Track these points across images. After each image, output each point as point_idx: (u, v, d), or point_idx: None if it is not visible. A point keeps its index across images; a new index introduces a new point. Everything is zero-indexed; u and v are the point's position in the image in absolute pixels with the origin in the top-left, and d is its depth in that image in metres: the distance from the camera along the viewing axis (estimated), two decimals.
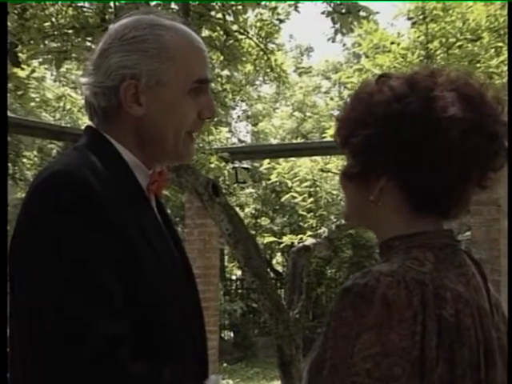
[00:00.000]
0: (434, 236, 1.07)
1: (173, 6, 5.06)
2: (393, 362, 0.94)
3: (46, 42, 5.09)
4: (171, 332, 1.14)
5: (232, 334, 12.82)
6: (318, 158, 8.32)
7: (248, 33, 6.02)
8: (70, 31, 4.90)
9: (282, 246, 8.10)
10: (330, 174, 8.73)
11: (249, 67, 6.79)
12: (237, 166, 7.83)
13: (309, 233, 5.76)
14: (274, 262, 15.40)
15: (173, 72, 1.20)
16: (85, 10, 5.09)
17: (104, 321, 1.03)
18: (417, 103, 1.05)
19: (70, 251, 1.05)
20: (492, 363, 1.04)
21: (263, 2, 5.84)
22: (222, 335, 11.82)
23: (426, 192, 1.06)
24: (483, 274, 1.12)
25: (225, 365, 10.63)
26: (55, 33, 4.98)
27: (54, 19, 5.03)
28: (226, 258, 14.74)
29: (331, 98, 18.06)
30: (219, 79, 6.54)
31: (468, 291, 1.04)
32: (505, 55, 7.35)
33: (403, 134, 1.04)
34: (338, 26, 4.84)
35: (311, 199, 8.14)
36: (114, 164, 1.18)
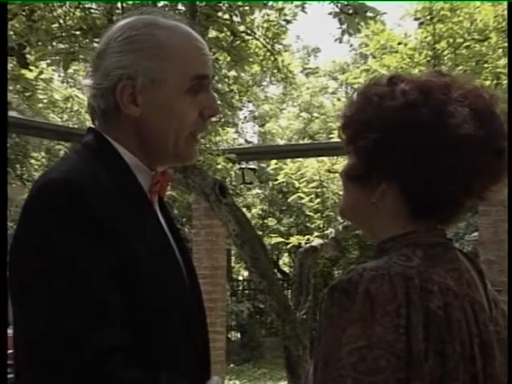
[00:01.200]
0: (424, 234, 1.08)
1: (179, 6, 5.07)
2: (378, 354, 0.95)
3: (54, 43, 5.12)
4: (171, 336, 1.13)
5: (239, 335, 12.83)
6: (324, 158, 8.30)
7: (255, 33, 6.03)
8: (78, 32, 4.92)
9: (288, 246, 8.09)
10: (337, 174, 8.71)
11: (256, 68, 6.80)
12: (244, 166, 7.84)
13: (316, 233, 5.76)
14: (280, 262, 15.40)
15: (168, 71, 1.19)
16: (92, 11, 5.11)
17: (98, 332, 1.02)
18: (429, 116, 1.05)
19: (64, 261, 1.04)
20: (490, 356, 1.04)
21: (270, 3, 5.84)
22: (229, 336, 11.82)
23: (427, 201, 1.07)
24: (479, 271, 1.13)
25: (232, 365, 10.64)
26: (63, 34, 5.00)
27: (61, 21, 5.05)
28: (233, 258, 14.75)
29: (338, 99, 18.03)
30: (226, 80, 6.55)
31: (459, 285, 1.05)
32: None
33: (412, 143, 1.05)
34: (344, 26, 4.84)
35: (318, 200, 8.13)
36: (114, 167, 1.17)
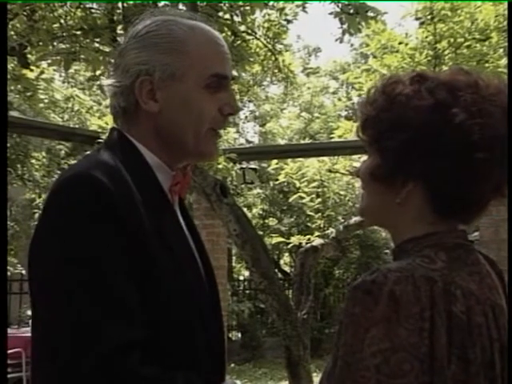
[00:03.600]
0: (446, 236, 1.07)
1: (180, 6, 5.07)
2: (401, 357, 0.94)
3: (55, 43, 5.12)
4: (188, 336, 1.14)
5: (240, 335, 12.83)
6: (325, 158, 8.29)
7: (256, 33, 6.03)
8: (79, 32, 4.92)
9: (289, 246, 8.09)
10: (337, 174, 8.71)
11: (256, 68, 6.79)
12: (244, 166, 7.83)
13: (316, 233, 5.74)
14: (281, 262, 15.40)
15: (186, 65, 1.18)
16: (93, 11, 5.11)
17: (116, 327, 1.03)
18: (461, 116, 1.03)
19: (85, 257, 1.05)
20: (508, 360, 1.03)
21: (271, 3, 5.84)
22: (230, 336, 11.83)
23: (456, 202, 1.06)
24: (499, 273, 1.12)
25: (232, 365, 10.64)
26: (64, 34, 5.00)
27: (62, 21, 5.05)
28: (234, 258, 14.75)
29: (339, 99, 18.05)
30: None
31: (481, 289, 1.04)
32: None
33: (441, 144, 1.03)
34: (345, 26, 4.84)
35: (319, 200, 8.12)
36: (135, 166, 1.17)
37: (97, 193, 1.07)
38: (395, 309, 0.96)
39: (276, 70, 6.84)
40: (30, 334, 1.13)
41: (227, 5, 5.18)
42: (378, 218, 1.16)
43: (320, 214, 8.14)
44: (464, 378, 0.97)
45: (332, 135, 9.16)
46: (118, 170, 1.12)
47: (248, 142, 17.74)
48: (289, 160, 7.98)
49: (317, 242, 5.25)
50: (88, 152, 1.32)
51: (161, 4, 5.11)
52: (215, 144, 1.24)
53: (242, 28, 5.62)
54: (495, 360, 1.01)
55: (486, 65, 7.99)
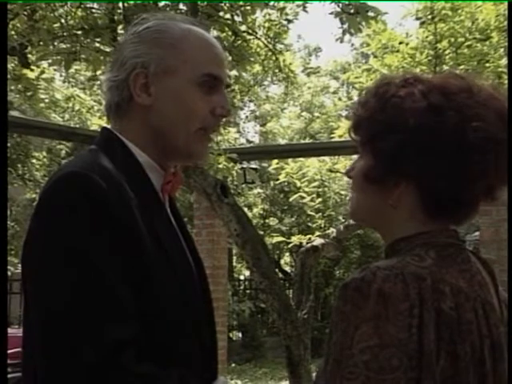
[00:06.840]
0: (437, 235, 1.08)
1: (181, 6, 5.07)
2: (390, 353, 0.95)
3: (56, 43, 5.12)
4: (180, 334, 1.14)
5: (240, 335, 12.84)
6: (326, 158, 8.31)
7: (256, 33, 6.03)
8: (79, 32, 4.92)
9: (290, 246, 8.09)
10: (338, 174, 8.72)
11: (257, 67, 6.80)
12: (245, 166, 7.83)
13: (317, 233, 5.75)
14: (282, 262, 15.41)
15: (181, 61, 1.20)
16: (94, 11, 5.11)
17: (111, 325, 1.03)
18: (455, 119, 1.04)
19: (79, 255, 1.05)
20: (500, 357, 1.04)
21: (271, 3, 5.84)
22: (231, 335, 11.83)
23: (449, 203, 1.07)
24: (491, 272, 1.13)
25: (233, 365, 10.65)
26: (64, 34, 5.00)
27: (63, 20, 5.05)
28: (235, 258, 14.76)
29: (339, 99, 18.06)
30: (227, 79, 6.54)
31: (470, 286, 1.05)
32: None
33: (436, 146, 1.04)
34: (346, 26, 4.83)
35: (319, 199, 8.14)
36: (127, 165, 1.18)
37: (89, 192, 1.08)
38: (384, 306, 0.97)
39: (276, 70, 6.85)
40: None
41: (228, 5, 5.18)
42: (370, 219, 1.17)
43: (320, 213, 8.15)
44: (453, 374, 0.99)
45: (332, 135, 9.16)
46: (109, 169, 1.13)
47: (248, 141, 17.76)
48: (289, 160, 7.99)
49: (317, 241, 5.25)
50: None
51: (161, 4, 5.11)
52: (205, 146, 1.25)
53: (243, 28, 5.61)
54: (485, 356, 1.02)
55: (487, 65, 8.00)
